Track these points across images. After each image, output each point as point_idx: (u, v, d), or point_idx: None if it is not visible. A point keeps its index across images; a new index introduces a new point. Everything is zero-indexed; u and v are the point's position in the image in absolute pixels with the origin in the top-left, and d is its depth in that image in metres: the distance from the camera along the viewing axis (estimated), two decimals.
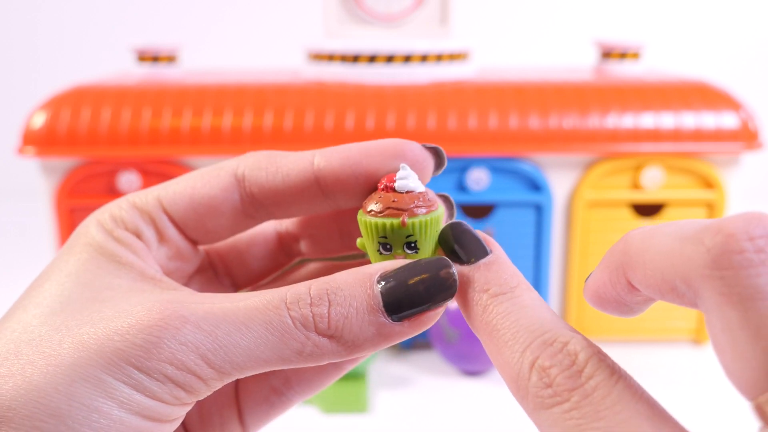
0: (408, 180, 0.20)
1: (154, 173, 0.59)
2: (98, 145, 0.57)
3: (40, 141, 0.57)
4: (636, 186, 0.59)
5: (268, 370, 0.18)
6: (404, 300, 0.18)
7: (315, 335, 0.18)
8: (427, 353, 0.62)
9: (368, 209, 0.20)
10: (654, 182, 0.59)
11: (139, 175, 0.58)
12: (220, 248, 0.25)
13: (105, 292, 0.19)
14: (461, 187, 0.59)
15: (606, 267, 0.18)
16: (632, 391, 0.15)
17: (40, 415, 0.16)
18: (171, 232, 0.22)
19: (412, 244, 0.19)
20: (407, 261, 0.19)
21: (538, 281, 0.61)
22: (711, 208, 0.60)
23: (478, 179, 0.58)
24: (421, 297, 0.18)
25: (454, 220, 0.20)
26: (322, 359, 0.18)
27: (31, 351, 0.18)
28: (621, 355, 0.61)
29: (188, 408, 0.19)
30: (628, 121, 0.58)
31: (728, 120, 0.59)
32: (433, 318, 0.19)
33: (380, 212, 0.19)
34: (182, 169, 0.58)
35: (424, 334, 0.62)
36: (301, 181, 0.21)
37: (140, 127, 0.58)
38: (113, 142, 0.57)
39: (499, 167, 0.59)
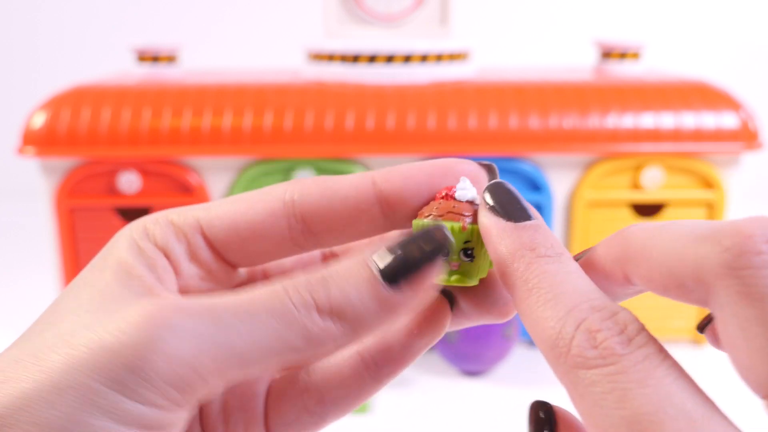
0: (468, 191, 0.20)
1: (154, 173, 0.59)
2: (98, 145, 0.57)
3: (40, 141, 0.57)
4: (636, 186, 0.59)
5: (275, 361, 0.18)
6: (399, 264, 0.18)
7: (318, 317, 0.18)
8: (427, 353, 0.62)
9: (426, 215, 0.20)
10: (654, 182, 0.59)
11: (139, 175, 0.58)
12: (267, 271, 0.24)
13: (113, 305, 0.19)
14: None
15: (601, 259, 0.18)
16: (679, 370, 0.15)
17: (23, 425, 0.16)
18: (204, 253, 0.21)
19: (469, 251, 0.19)
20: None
21: None
22: (711, 208, 0.60)
23: None
24: (414, 256, 0.18)
25: (497, 180, 0.20)
26: (330, 342, 0.18)
27: (26, 356, 0.17)
28: None
29: (185, 414, 0.18)
30: (628, 121, 0.58)
31: (728, 120, 0.59)
32: (429, 276, 0.19)
33: (440, 216, 0.19)
34: (182, 169, 0.58)
35: None
36: (361, 203, 0.21)
37: (140, 127, 0.58)
38: (113, 142, 0.57)
39: (499, 167, 0.58)
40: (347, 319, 0.18)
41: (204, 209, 0.21)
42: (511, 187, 0.20)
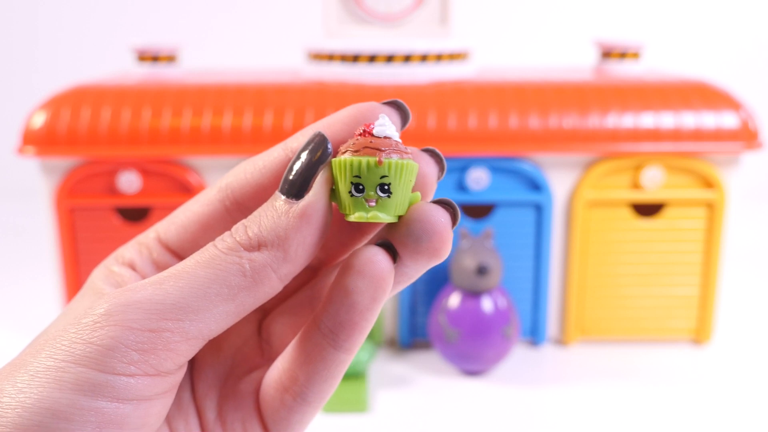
0: (386, 127, 0.20)
1: (154, 173, 0.59)
2: (98, 145, 0.57)
3: (40, 141, 0.57)
4: (636, 186, 0.59)
5: (226, 306, 0.19)
6: (294, 177, 0.20)
7: (245, 252, 0.19)
8: (427, 353, 0.62)
9: (343, 151, 0.20)
10: (654, 182, 0.59)
11: (139, 175, 0.58)
12: None
13: None
14: (461, 187, 0.59)
15: None
16: None
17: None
18: (166, 258, 0.23)
19: (386, 187, 0.19)
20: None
21: (538, 281, 0.61)
22: (711, 208, 0.60)
23: (478, 179, 0.58)
24: (303, 165, 0.20)
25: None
26: (267, 272, 0.19)
27: (5, 370, 0.19)
28: (621, 355, 0.61)
29: (156, 385, 0.19)
30: (628, 121, 0.58)
31: (728, 120, 0.59)
32: (320, 171, 0.20)
33: (356, 151, 0.19)
34: (182, 168, 0.58)
35: (423, 334, 0.62)
36: (276, 168, 0.22)
37: (140, 127, 0.58)
38: (113, 142, 0.57)
39: (499, 167, 0.59)
40: (271, 244, 0.19)
41: (167, 219, 0.23)
42: None
